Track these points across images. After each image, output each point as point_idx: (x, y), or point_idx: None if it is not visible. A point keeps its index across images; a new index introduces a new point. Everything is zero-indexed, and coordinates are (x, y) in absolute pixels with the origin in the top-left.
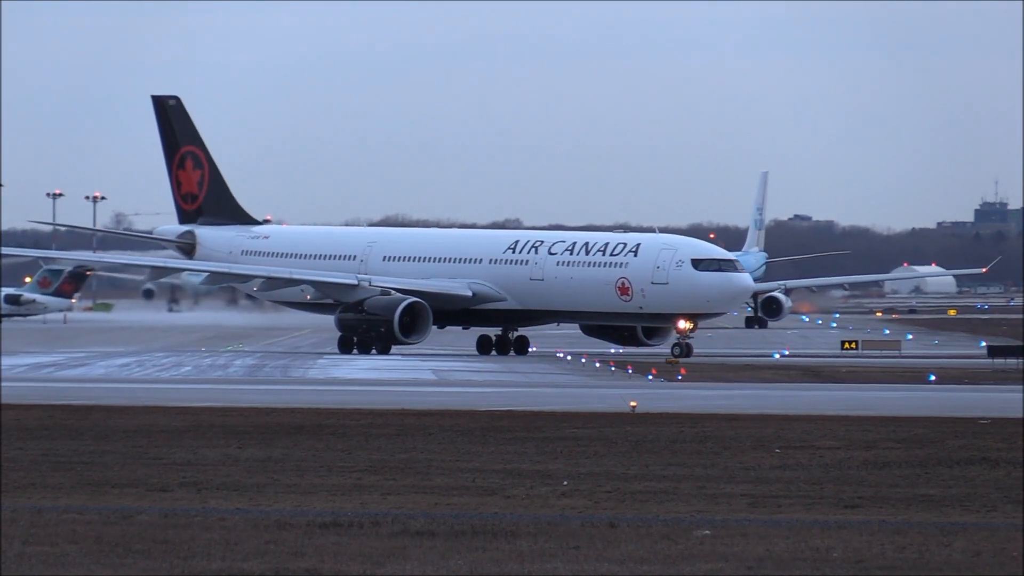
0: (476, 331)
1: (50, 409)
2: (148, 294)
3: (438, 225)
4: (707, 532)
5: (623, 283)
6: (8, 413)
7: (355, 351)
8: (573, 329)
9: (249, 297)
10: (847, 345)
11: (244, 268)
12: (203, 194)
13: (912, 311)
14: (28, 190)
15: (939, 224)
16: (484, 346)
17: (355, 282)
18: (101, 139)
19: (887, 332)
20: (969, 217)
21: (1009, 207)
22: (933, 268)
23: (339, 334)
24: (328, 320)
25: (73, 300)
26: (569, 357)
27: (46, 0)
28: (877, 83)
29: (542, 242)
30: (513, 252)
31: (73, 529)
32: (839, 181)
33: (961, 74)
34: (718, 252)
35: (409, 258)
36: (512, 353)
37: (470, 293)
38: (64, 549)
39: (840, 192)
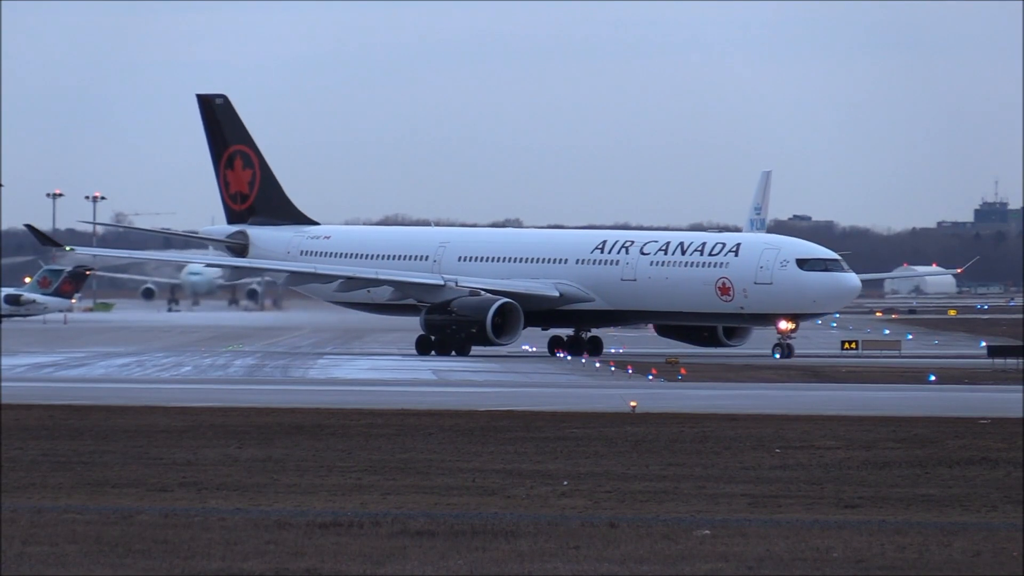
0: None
1: (50, 409)
2: (148, 294)
3: (438, 225)
4: (707, 532)
5: (724, 283)
6: (8, 413)
7: (432, 352)
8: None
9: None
10: (847, 345)
11: (328, 268)
12: (254, 194)
13: (912, 311)
14: (28, 190)
15: (939, 224)
16: (555, 346)
17: (441, 282)
18: (101, 139)
19: (887, 332)
20: (969, 217)
21: (1009, 207)
22: (933, 268)
23: (418, 334)
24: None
25: (73, 300)
26: (569, 357)
27: (46, 0)
28: (877, 83)
29: (632, 242)
30: (601, 252)
31: (73, 529)
32: (839, 181)
33: (961, 74)
34: (823, 252)
35: (487, 258)
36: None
37: (557, 294)
38: (64, 549)
39: (840, 192)
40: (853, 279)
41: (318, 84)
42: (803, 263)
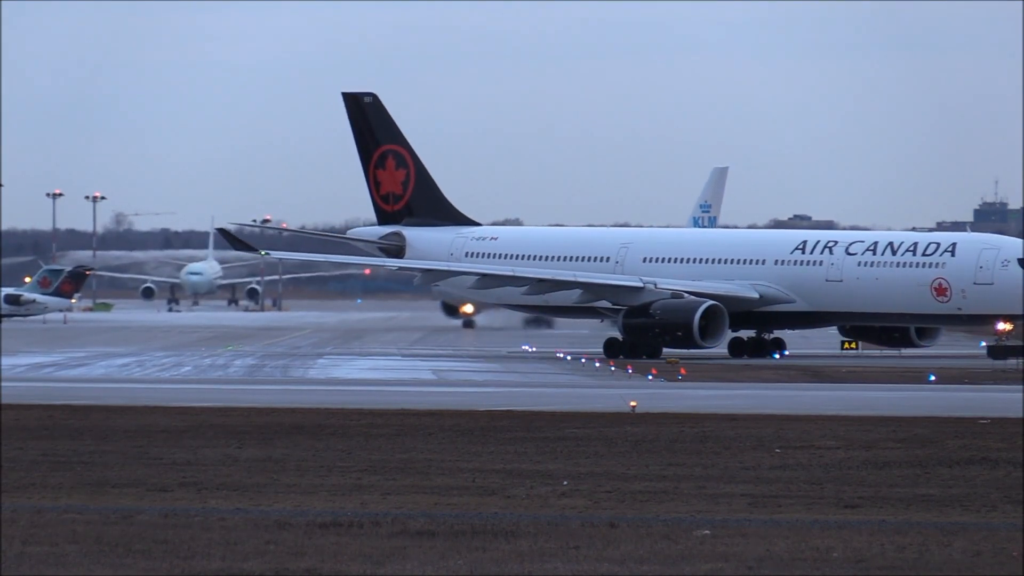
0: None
1: (50, 409)
2: (148, 293)
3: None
4: (707, 532)
5: (940, 283)
6: (8, 413)
7: (621, 356)
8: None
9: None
10: (847, 345)
11: (523, 271)
12: (408, 194)
13: None
14: (28, 190)
15: (939, 224)
16: (736, 348)
17: (640, 284)
18: (101, 139)
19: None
20: (969, 217)
21: (1009, 207)
22: None
23: (608, 336)
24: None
25: (73, 300)
26: (569, 357)
27: (46, 0)
28: (877, 83)
29: (836, 242)
30: (803, 252)
31: (73, 529)
32: (839, 181)
33: (961, 74)
34: None
35: (676, 259)
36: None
37: (756, 295)
38: (64, 549)
39: (840, 192)
40: None
41: (317, 84)
42: None
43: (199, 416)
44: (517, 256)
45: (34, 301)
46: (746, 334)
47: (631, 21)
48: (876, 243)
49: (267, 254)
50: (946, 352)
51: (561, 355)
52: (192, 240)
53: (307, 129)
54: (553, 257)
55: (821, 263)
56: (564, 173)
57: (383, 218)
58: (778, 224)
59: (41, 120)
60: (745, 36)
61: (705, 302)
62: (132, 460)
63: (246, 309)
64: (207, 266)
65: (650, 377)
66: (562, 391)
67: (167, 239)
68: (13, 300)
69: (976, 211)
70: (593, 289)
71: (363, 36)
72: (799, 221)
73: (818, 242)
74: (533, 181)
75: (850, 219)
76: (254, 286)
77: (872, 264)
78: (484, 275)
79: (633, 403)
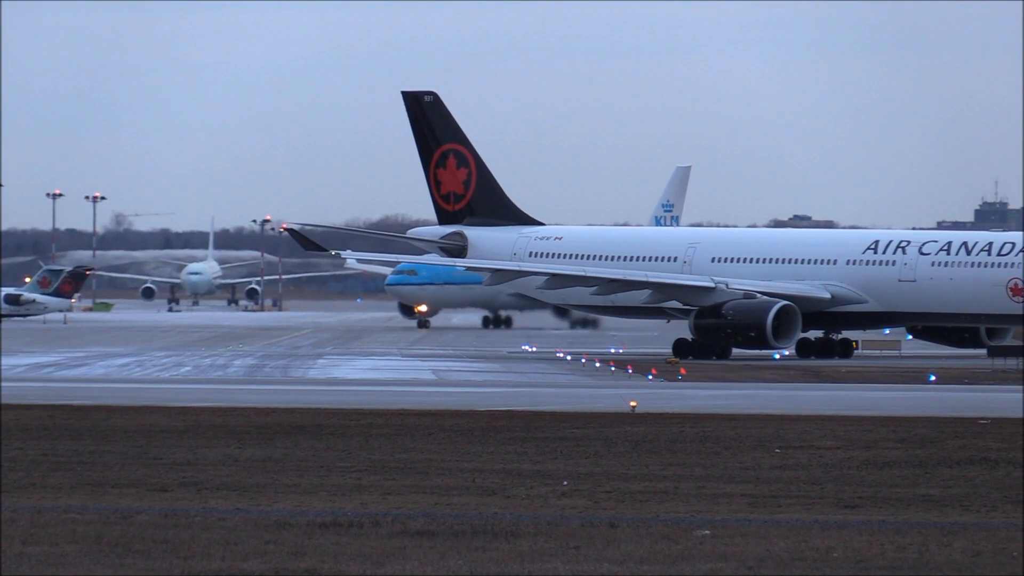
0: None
1: (50, 409)
2: (148, 293)
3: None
4: (707, 532)
5: (1015, 283)
6: (8, 413)
7: (690, 357)
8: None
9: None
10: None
11: (594, 271)
12: (470, 193)
13: None
14: (28, 190)
15: (939, 224)
16: (805, 349)
17: (712, 285)
18: (101, 139)
19: (887, 332)
20: (969, 217)
21: (1009, 207)
22: None
23: (677, 337)
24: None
25: (73, 300)
26: (569, 357)
27: (46, 0)
28: (877, 83)
29: (909, 242)
30: (875, 252)
31: (73, 529)
32: (839, 181)
33: (961, 74)
34: None
35: (745, 259)
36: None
37: (828, 295)
38: (64, 549)
39: (840, 192)
40: None
41: (317, 84)
42: None
43: (199, 416)
44: (582, 256)
45: (34, 301)
46: (813, 334)
47: (630, 20)
48: (950, 243)
49: (338, 255)
50: (946, 352)
51: (561, 355)
52: (192, 240)
53: (307, 130)
54: (619, 257)
55: (894, 263)
56: (564, 173)
57: (444, 218)
58: (778, 224)
59: (41, 120)
60: (745, 36)
61: (778, 302)
62: (132, 460)
63: (246, 309)
64: (207, 266)
65: (650, 377)
66: (562, 391)
67: (167, 239)
68: (13, 300)
69: (976, 211)
70: (663, 289)
71: (362, 37)
72: (799, 221)
73: (890, 242)
74: (533, 181)
75: (850, 219)
76: (254, 286)
77: (946, 264)
78: (554, 275)
79: (633, 403)
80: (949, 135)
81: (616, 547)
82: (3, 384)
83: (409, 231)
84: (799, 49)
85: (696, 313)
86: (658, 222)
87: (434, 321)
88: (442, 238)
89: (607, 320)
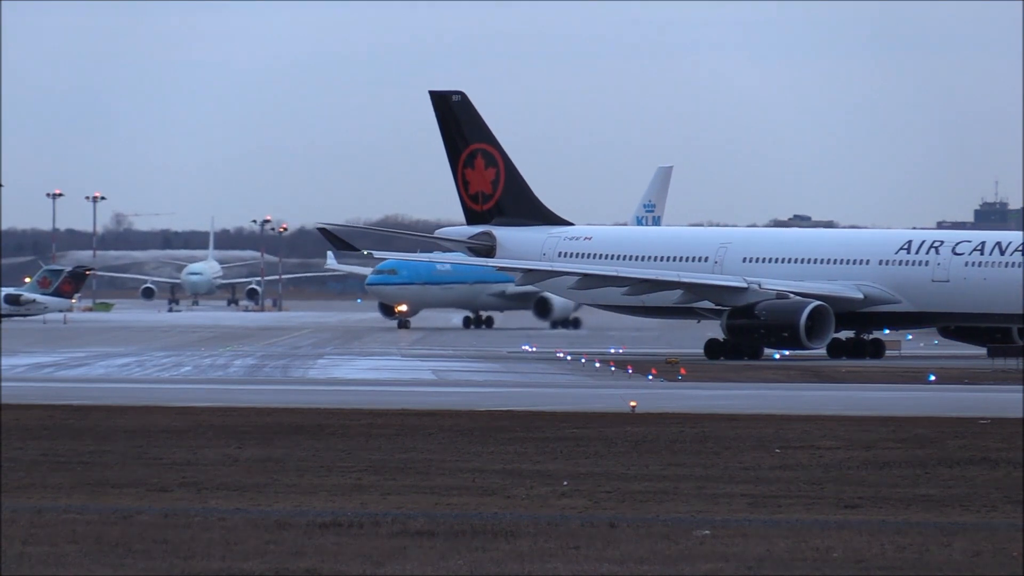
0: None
1: (50, 409)
2: (148, 293)
3: (438, 225)
4: (707, 532)
5: None
6: (8, 413)
7: (721, 357)
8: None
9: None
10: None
11: (626, 271)
12: (498, 193)
13: None
14: (28, 190)
15: (939, 224)
16: (836, 349)
17: (744, 285)
18: (101, 139)
19: (887, 332)
20: (969, 217)
21: (1009, 207)
22: None
23: (708, 337)
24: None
25: (73, 300)
26: (569, 357)
27: (46, 0)
28: (877, 83)
29: (942, 242)
30: (907, 252)
31: (73, 529)
32: (839, 181)
33: (961, 74)
34: None
35: (776, 259)
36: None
37: (861, 295)
38: (64, 549)
39: (840, 192)
40: None
41: (317, 84)
42: None
43: (199, 416)
44: (612, 256)
45: (34, 301)
46: (844, 334)
47: (629, 20)
48: (983, 243)
49: (370, 254)
50: (946, 352)
51: (561, 355)
52: (192, 240)
53: (307, 130)
54: (649, 257)
55: (927, 263)
56: (563, 172)
57: (472, 218)
58: (777, 224)
59: (41, 120)
60: (745, 36)
61: (811, 302)
62: (132, 460)
63: (246, 309)
64: (207, 266)
65: (650, 377)
66: (562, 391)
67: (167, 239)
68: (13, 300)
69: (976, 211)
70: (696, 289)
71: (362, 37)
72: (799, 221)
73: (923, 242)
74: (533, 180)
75: (850, 219)
76: (254, 286)
77: (980, 264)
78: (586, 275)
79: (633, 403)
80: (949, 135)
81: (616, 547)
82: (3, 384)
83: (437, 231)
84: (799, 49)
85: (729, 313)
86: (639, 222)
87: (414, 321)
88: (470, 238)
89: (587, 320)
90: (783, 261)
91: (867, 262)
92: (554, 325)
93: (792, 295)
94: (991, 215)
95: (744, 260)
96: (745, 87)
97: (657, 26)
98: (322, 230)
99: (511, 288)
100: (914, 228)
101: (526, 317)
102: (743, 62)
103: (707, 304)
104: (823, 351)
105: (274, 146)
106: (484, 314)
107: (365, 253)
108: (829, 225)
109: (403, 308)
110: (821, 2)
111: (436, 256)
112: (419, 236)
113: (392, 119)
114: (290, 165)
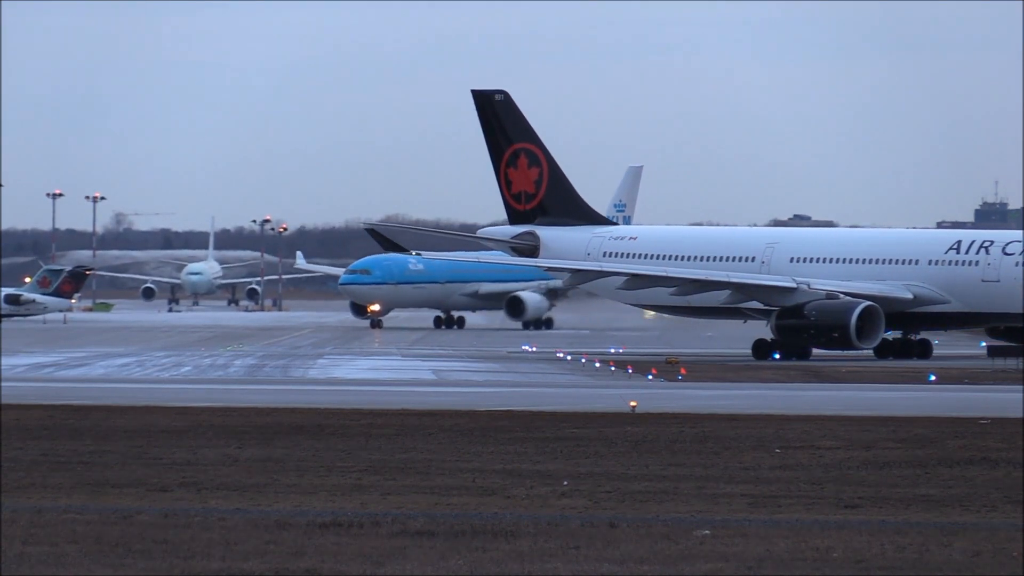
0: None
1: (50, 409)
2: (148, 293)
3: (437, 225)
4: (707, 532)
5: None
6: (8, 413)
7: (771, 357)
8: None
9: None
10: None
11: (675, 271)
12: (541, 193)
13: None
14: (28, 190)
15: (939, 224)
16: (883, 350)
17: (793, 285)
18: (101, 139)
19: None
20: (969, 217)
21: (1009, 207)
22: None
23: (756, 338)
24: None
25: (73, 300)
26: (569, 357)
27: (46, 0)
28: (877, 83)
29: (992, 242)
30: (957, 252)
31: (73, 529)
32: (839, 181)
33: (961, 74)
34: None
35: (824, 259)
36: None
37: (910, 296)
38: (64, 549)
39: (840, 192)
40: None
41: (318, 84)
42: None
43: (199, 416)
44: (658, 256)
45: (34, 301)
46: (891, 335)
47: (629, 20)
48: None
49: (418, 254)
50: (946, 352)
51: (561, 355)
52: (192, 240)
53: (307, 129)
54: (696, 257)
55: (977, 263)
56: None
57: (515, 217)
58: (777, 224)
59: (41, 120)
60: (745, 37)
61: (861, 303)
62: (132, 460)
63: (246, 309)
64: (207, 266)
65: (650, 377)
66: (562, 391)
67: (167, 239)
68: (13, 300)
69: (976, 211)
70: (744, 290)
71: (362, 36)
72: (799, 221)
73: (973, 242)
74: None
75: (850, 219)
76: (254, 286)
77: None
78: (634, 276)
79: (633, 403)
80: (949, 135)
81: (616, 547)
82: (3, 384)
83: (479, 231)
84: (799, 49)
85: (778, 314)
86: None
87: (386, 321)
88: (513, 238)
89: (558, 319)
90: (831, 261)
91: (916, 262)
92: (526, 325)
93: (842, 295)
94: (991, 215)
95: (792, 260)
96: (745, 87)
97: (657, 26)
98: (370, 230)
99: (484, 288)
100: (914, 228)
101: (498, 317)
102: (743, 62)
103: (755, 304)
104: (870, 351)
105: (274, 146)
106: (456, 314)
107: (413, 253)
108: (829, 225)
109: (375, 308)
110: (821, 2)
111: (482, 255)
112: (462, 236)
113: (392, 118)
114: (290, 165)
